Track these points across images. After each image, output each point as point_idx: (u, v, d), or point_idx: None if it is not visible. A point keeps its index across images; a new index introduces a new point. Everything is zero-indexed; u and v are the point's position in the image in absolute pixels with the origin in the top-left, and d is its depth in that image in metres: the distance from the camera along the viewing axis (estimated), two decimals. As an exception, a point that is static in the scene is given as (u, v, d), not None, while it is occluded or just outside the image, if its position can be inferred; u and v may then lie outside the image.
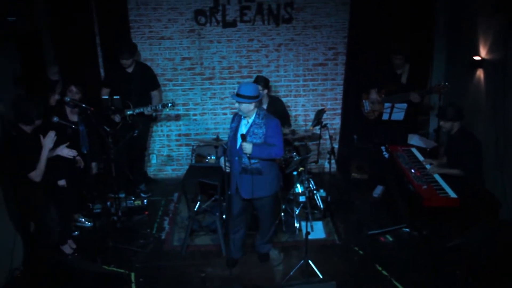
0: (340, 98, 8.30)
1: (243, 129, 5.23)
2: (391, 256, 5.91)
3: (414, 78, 7.23)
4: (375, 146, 7.12)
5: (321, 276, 5.37)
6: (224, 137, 7.78)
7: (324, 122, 6.84)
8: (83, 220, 6.70)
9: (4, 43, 5.93)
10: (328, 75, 8.18)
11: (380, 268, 5.66)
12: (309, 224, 6.27)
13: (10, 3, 5.70)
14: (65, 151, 5.54)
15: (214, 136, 6.69)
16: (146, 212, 7.07)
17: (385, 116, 7.03)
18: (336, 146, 8.37)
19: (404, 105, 6.89)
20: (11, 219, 5.45)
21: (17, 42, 6.23)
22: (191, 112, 8.26)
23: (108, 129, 6.35)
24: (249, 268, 5.76)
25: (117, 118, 7.02)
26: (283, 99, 7.60)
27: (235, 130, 5.34)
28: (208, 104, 8.23)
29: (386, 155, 6.64)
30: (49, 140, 5.30)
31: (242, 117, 5.28)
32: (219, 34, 7.90)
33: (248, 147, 5.06)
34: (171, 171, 8.54)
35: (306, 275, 5.42)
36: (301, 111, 8.32)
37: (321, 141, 7.49)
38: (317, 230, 6.50)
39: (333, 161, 6.86)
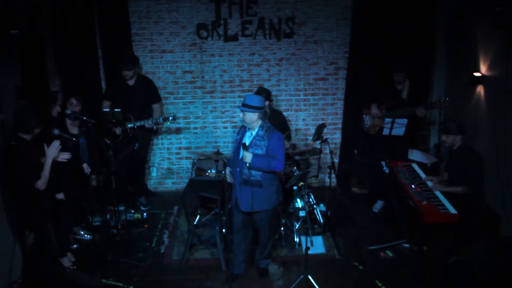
0: (340, 113, 8.31)
1: (246, 141, 5.26)
2: (391, 271, 5.87)
3: (414, 94, 7.27)
4: (375, 161, 7.11)
5: (320, 292, 5.35)
6: (225, 150, 7.83)
7: (324, 137, 6.84)
8: (82, 233, 6.68)
9: (6, 55, 5.94)
10: (329, 90, 8.20)
11: (380, 284, 5.62)
12: (309, 239, 6.26)
13: (13, 15, 5.73)
14: (53, 152, 5.44)
15: (215, 150, 6.70)
16: (146, 225, 7.06)
17: (385, 131, 7.05)
18: (336, 160, 8.37)
19: (405, 121, 6.91)
20: (11, 230, 5.44)
21: (19, 53, 6.25)
22: (192, 126, 8.27)
23: (108, 142, 6.35)
24: (249, 283, 5.72)
25: (118, 130, 7.03)
26: (284, 113, 7.63)
27: (239, 142, 5.35)
28: (209, 118, 8.24)
29: (387, 170, 6.64)
30: (53, 149, 5.29)
31: (247, 129, 5.30)
32: (220, 48, 7.94)
33: (248, 156, 5.08)
34: (171, 184, 8.53)
35: (305, 291, 5.40)
36: (301, 125, 8.33)
37: (322, 155, 7.51)
38: (317, 245, 6.47)
39: (333, 175, 6.87)
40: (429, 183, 6.19)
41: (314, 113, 8.30)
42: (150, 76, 7.78)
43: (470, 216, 5.61)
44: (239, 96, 8.05)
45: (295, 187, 6.59)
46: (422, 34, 7.72)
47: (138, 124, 7.14)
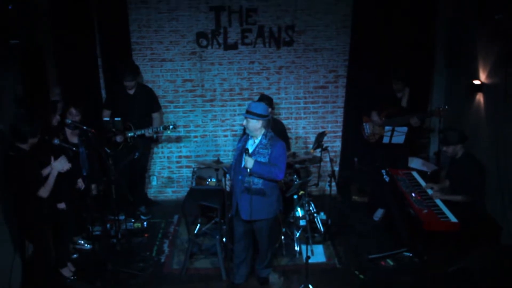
0: (340, 121, 8.31)
1: (249, 148, 5.26)
2: (392, 280, 5.87)
3: (414, 101, 7.27)
4: (375, 169, 7.11)
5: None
6: (225, 159, 7.82)
7: (324, 145, 6.85)
8: (82, 242, 6.67)
9: (7, 64, 5.96)
10: (328, 98, 8.21)
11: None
12: (309, 248, 6.25)
13: (13, 25, 5.75)
14: (59, 166, 5.46)
15: (215, 159, 6.70)
16: (146, 235, 7.05)
17: (385, 140, 7.05)
18: (336, 169, 8.37)
19: (405, 129, 6.91)
20: (11, 240, 5.42)
21: (19, 62, 6.27)
22: (192, 134, 8.27)
23: (108, 151, 6.35)
24: (249, 292, 5.73)
25: (119, 138, 7.03)
26: (284, 121, 7.64)
27: (241, 149, 5.34)
28: (209, 126, 8.24)
29: (387, 179, 6.63)
30: (58, 164, 5.34)
31: (249, 137, 5.30)
32: (220, 56, 7.95)
33: (250, 162, 5.07)
34: (171, 193, 8.52)
35: (306, 300, 5.39)
36: (301, 134, 8.34)
37: (322, 163, 7.52)
38: (318, 254, 6.46)
39: (333, 183, 6.86)
40: (429, 191, 6.18)
41: (314, 121, 8.30)
42: (150, 85, 7.79)
43: (470, 224, 5.60)
44: (239, 105, 8.07)
45: (295, 196, 6.59)
46: (422, 42, 7.73)
47: (138, 133, 7.14)
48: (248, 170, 5.10)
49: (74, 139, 6.25)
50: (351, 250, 6.59)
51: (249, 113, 5.14)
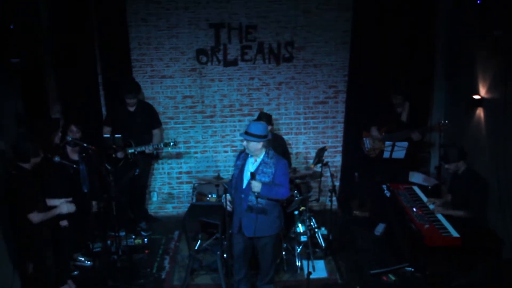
0: (341, 136, 8.32)
1: (250, 168, 5.23)
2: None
3: (414, 116, 7.28)
4: (376, 184, 7.10)
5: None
6: (225, 175, 7.82)
7: (325, 160, 6.85)
8: (82, 259, 6.64)
9: (8, 83, 5.98)
10: (328, 113, 8.23)
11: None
12: (310, 263, 6.22)
13: (14, 44, 5.78)
14: (65, 208, 5.52)
15: (215, 174, 6.69)
16: (147, 251, 7.02)
17: (386, 154, 7.05)
18: (337, 183, 8.36)
19: (405, 144, 6.92)
20: (10, 259, 5.40)
21: (20, 81, 6.30)
22: (192, 150, 8.27)
23: (109, 167, 6.36)
24: (250, 309, 5.70)
25: (119, 154, 7.04)
26: (284, 137, 7.63)
27: (240, 168, 5.32)
28: (209, 142, 8.25)
29: (388, 194, 6.62)
30: (65, 207, 5.45)
31: (249, 155, 5.29)
32: (220, 72, 7.98)
33: (257, 186, 5.02)
34: (171, 209, 8.50)
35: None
36: (302, 149, 8.34)
37: (322, 178, 7.51)
38: (319, 269, 6.43)
39: (334, 198, 6.84)
40: (431, 206, 6.17)
41: (314, 136, 8.31)
42: (150, 102, 7.81)
43: (472, 239, 5.58)
44: (239, 121, 8.09)
45: (296, 212, 6.57)
46: (422, 57, 7.75)
47: (138, 149, 7.15)
48: (256, 193, 5.06)
49: (75, 156, 6.25)
50: (352, 265, 6.56)
51: (249, 135, 5.10)
